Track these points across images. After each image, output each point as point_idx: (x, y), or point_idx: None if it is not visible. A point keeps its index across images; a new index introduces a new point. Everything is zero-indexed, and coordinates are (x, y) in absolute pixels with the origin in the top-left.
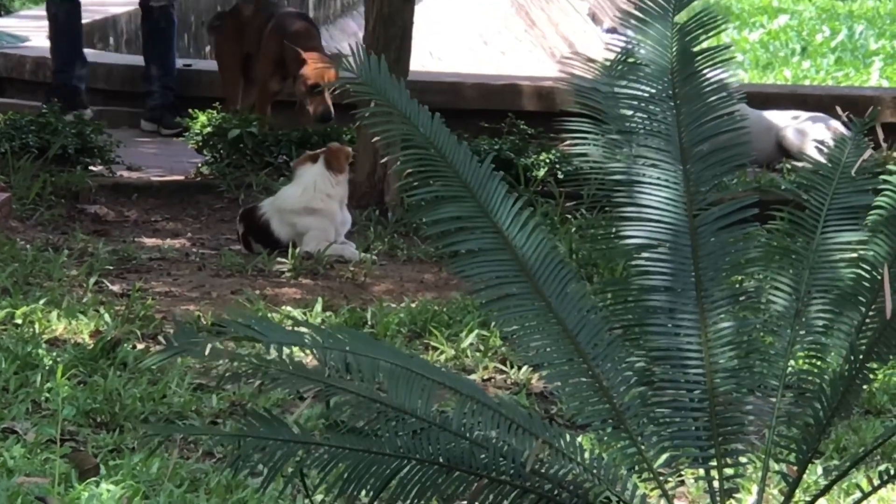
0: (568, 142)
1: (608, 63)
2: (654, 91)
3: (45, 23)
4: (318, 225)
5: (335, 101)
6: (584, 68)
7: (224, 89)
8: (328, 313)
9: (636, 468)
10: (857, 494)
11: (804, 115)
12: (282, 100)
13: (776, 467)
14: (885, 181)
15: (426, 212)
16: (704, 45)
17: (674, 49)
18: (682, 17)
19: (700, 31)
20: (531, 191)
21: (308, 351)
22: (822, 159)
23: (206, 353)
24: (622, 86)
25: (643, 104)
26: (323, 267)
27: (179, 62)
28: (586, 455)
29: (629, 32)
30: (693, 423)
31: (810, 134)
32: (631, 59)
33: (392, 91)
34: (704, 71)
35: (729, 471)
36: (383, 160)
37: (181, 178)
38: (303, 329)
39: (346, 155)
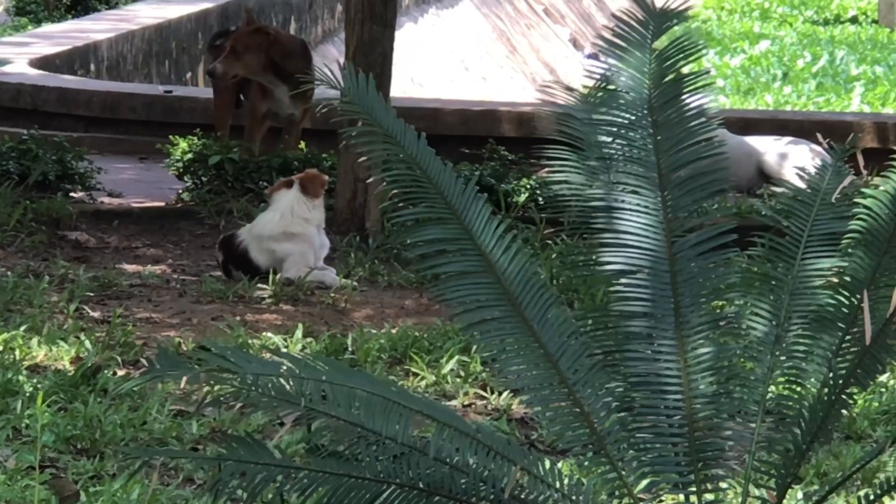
0: (547, 169)
1: (587, 90)
2: (632, 118)
3: (26, 49)
4: (297, 250)
5: (320, 128)
6: (563, 95)
7: (214, 112)
8: (309, 339)
9: (616, 494)
10: None
11: (784, 139)
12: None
13: (756, 493)
14: (860, 204)
15: (410, 233)
16: (682, 70)
17: (651, 75)
18: (663, 42)
19: (678, 56)
20: (512, 216)
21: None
22: (802, 185)
23: (184, 382)
24: (601, 112)
25: (622, 130)
26: (304, 293)
27: (160, 88)
28: (566, 481)
29: (608, 59)
30: (673, 448)
31: (791, 159)
32: (610, 87)
33: (379, 110)
34: (682, 97)
35: (709, 496)
36: (368, 181)
37: (162, 204)
38: (280, 358)
39: (322, 181)
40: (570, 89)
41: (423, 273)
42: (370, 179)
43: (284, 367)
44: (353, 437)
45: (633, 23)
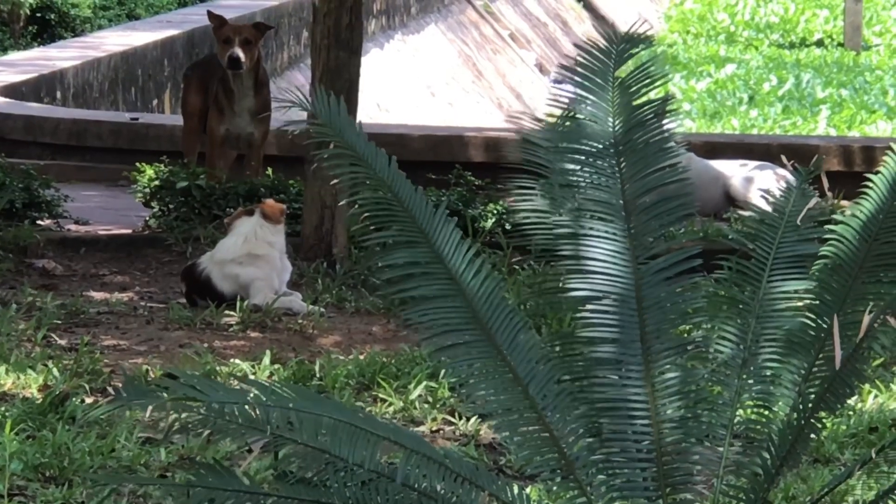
0: (514, 198)
1: (552, 118)
2: (598, 145)
3: None
4: (261, 275)
5: (286, 154)
6: (531, 125)
7: (182, 139)
8: (276, 366)
9: None
10: None
11: (751, 164)
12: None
13: None
14: (831, 230)
15: (380, 256)
16: (646, 97)
17: (614, 102)
18: (629, 67)
19: (641, 83)
20: (479, 242)
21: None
22: (768, 208)
23: (150, 409)
24: (566, 141)
25: (587, 158)
26: (271, 319)
27: (126, 116)
28: None
29: (569, 87)
30: (641, 473)
31: (757, 183)
32: (574, 115)
33: (350, 133)
34: (646, 123)
35: None
36: (340, 202)
37: (129, 231)
38: (246, 386)
39: (281, 210)
40: (537, 120)
41: (393, 297)
42: (341, 202)
43: (251, 395)
44: (321, 463)
45: (594, 51)
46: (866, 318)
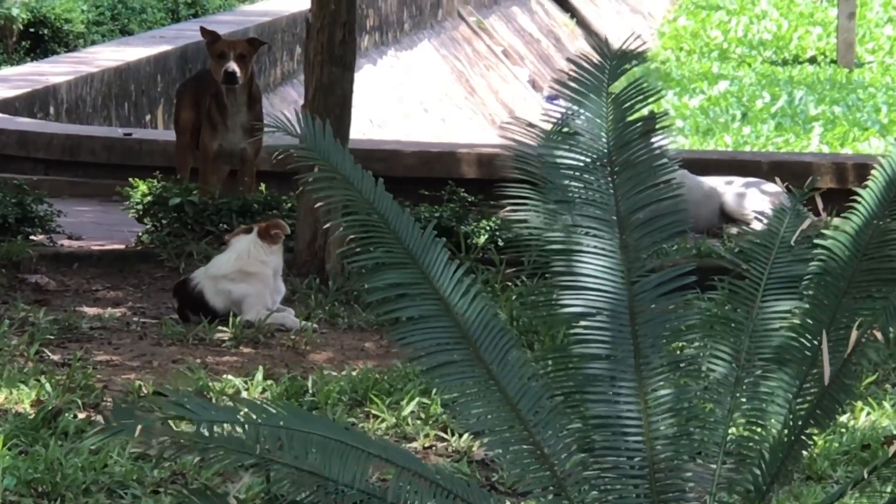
0: (507, 209)
1: (546, 132)
2: (590, 160)
3: None
4: (254, 291)
5: (279, 170)
6: (524, 134)
7: (175, 154)
8: (269, 382)
9: None
10: None
11: (744, 180)
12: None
13: None
14: (818, 245)
15: (368, 278)
16: (640, 113)
17: (608, 118)
18: (622, 83)
19: (636, 99)
20: (472, 258)
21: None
22: (761, 228)
23: (137, 434)
24: (559, 155)
25: (580, 173)
26: (264, 335)
27: (119, 131)
28: None
29: (563, 101)
30: (634, 489)
31: (749, 197)
32: (566, 129)
33: (336, 156)
34: (639, 139)
35: None
36: (325, 226)
37: (122, 247)
38: (236, 405)
39: (277, 231)
40: (531, 125)
41: (383, 318)
42: (327, 225)
43: (241, 414)
44: (312, 485)
45: (588, 66)
46: (854, 334)
